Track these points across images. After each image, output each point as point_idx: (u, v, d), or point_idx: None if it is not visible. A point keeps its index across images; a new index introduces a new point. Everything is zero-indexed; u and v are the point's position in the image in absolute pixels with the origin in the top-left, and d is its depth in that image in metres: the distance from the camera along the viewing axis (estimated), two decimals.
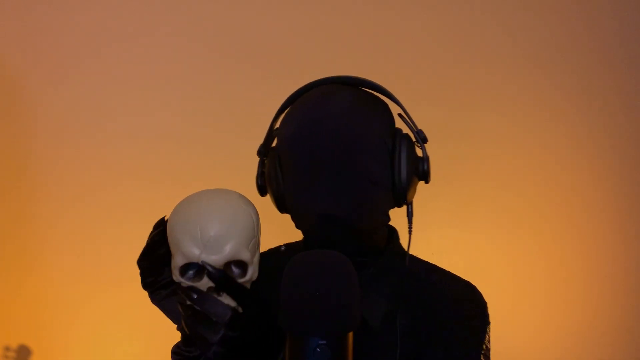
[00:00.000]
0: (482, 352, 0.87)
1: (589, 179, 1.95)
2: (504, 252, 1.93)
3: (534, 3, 1.92)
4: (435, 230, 1.88)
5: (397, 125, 0.91)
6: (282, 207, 0.91)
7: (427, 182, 0.90)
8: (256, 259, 0.79)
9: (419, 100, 1.87)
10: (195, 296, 0.73)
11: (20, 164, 1.82)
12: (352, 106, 0.84)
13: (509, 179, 1.92)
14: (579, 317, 1.95)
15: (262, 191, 0.93)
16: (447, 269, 0.95)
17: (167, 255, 0.82)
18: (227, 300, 0.75)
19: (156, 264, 0.84)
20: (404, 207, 0.89)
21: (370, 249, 0.90)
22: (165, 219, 0.83)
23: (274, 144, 0.92)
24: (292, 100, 0.92)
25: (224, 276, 0.73)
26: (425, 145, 0.90)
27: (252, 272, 0.78)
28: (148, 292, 0.87)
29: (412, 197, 0.88)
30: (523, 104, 1.92)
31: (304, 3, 1.84)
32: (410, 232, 0.88)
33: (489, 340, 0.89)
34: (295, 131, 0.84)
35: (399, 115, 0.91)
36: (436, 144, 1.87)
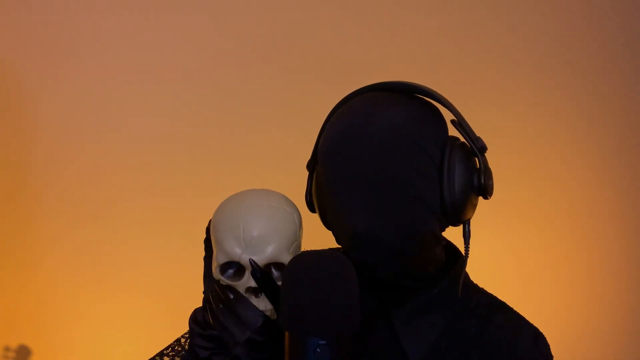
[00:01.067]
0: None
1: (591, 177, 1.95)
2: (505, 250, 1.93)
3: (536, 2, 1.92)
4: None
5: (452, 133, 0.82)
6: (326, 224, 0.86)
7: (486, 197, 0.79)
8: None
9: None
10: (231, 296, 0.74)
11: (21, 165, 1.82)
12: (393, 114, 0.76)
13: (510, 177, 1.92)
14: (583, 316, 1.95)
15: (311, 207, 0.89)
16: (514, 309, 0.84)
17: None
18: (263, 302, 0.76)
19: None
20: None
21: (423, 273, 0.81)
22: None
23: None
24: (336, 111, 0.85)
25: (266, 276, 0.73)
26: (484, 154, 0.79)
27: None
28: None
29: (469, 215, 0.79)
30: (525, 102, 1.92)
31: (307, 1, 1.84)
32: (466, 255, 0.79)
33: None
34: (330, 142, 0.79)
35: (452, 122, 0.81)
36: None
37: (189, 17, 1.82)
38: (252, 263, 0.74)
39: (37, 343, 1.83)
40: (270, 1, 1.83)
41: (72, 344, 1.84)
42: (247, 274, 0.76)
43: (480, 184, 0.77)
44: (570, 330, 1.95)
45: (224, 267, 0.78)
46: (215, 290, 0.77)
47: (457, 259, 0.86)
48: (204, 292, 0.84)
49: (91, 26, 1.80)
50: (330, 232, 0.85)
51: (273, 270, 0.78)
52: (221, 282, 0.77)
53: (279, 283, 0.75)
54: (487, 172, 0.78)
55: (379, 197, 0.74)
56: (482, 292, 0.87)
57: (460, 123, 0.80)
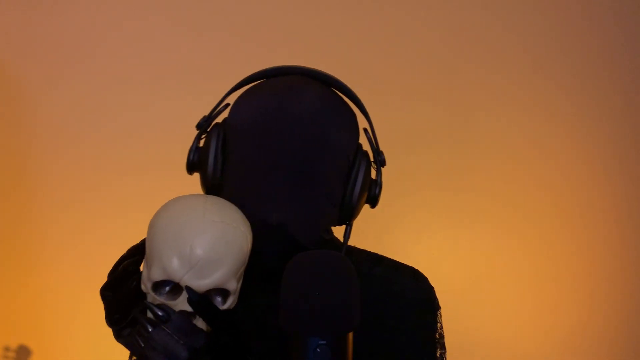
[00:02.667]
0: (436, 340, 0.83)
1: (586, 183, 1.95)
2: (504, 252, 1.93)
3: (533, 2, 1.92)
4: (435, 230, 1.89)
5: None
6: (212, 194, 0.80)
7: (373, 207, 0.84)
8: (239, 285, 0.71)
9: (418, 100, 1.88)
10: (163, 314, 0.65)
11: (20, 164, 1.82)
12: (325, 109, 0.77)
13: (509, 178, 1.92)
14: (578, 318, 1.95)
15: (191, 168, 0.83)
16: (389, 256, 0.88)
17: (139, 289, 0.71)
18: (199, 323, 0.68)
19: (126, 298, 0.71)
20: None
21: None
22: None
23: (219, 121, 0.83)
24: (254, 80, 0.84)
25: (206, 304, 0.66)
26: (381, 169, 0.82)
27: (232, 301, 0.70)
28: (112, 330, 0.75)
29: (354, 218, 0.82)
30: (523, 104, 1.92)
31: (307, 2, 1.85)
32: (344, 250, 0.81)
33: (441, 327, 0.84)
34: (258, 119, 0.76)
35: (364, 130, 0.84)
36: (436, 144, 1.88)
37: (189, 18, 1.83)
38: (189, 292, 0.64)
39: (37, 343, 1.83)
40: (269, 3, 1.84)
41: (72, 344, 1.84)
42: (184, 295, 0.66)
43: (374, 195, 0.82)
44: (565, 330, 1.95)
45: (157, 284, 0.68)
46: (143, 311, 0.68)
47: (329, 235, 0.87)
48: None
49: (91, 27, 1.80)
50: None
51: (214, 295, 0.68)
52: (151, 297, 0.67)
53: (221, 308, 0.69)
54: (381, 186, 0.83)
55: (298, 192, 0.75)
56: (363, 252, 0.88)
57: (373, 132, 0.83)
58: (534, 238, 1.94)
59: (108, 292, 0.73)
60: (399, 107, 1.83)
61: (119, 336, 0.74)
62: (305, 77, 0.82)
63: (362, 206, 0.82)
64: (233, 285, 0.69)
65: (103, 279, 1.96)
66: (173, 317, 0.66)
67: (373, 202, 0.83)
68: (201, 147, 0.82)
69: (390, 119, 1.87)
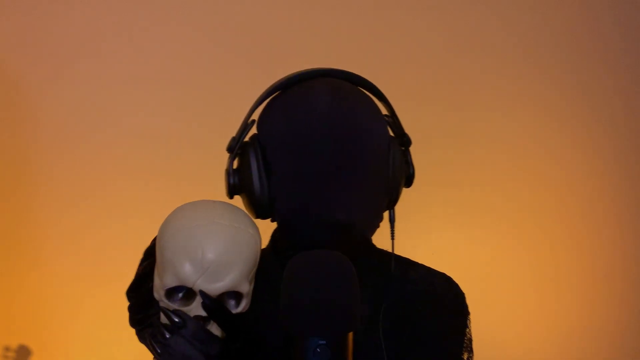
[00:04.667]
0: (464, 344, 0.85)
1: (588, 179, 1.95)
2: (503, 252, 1.93)
3: (533, 2, 1.92)
4: (434, 230, 1.89)
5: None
6: (263, 212, 0.79)
7: (408, 187, 0.88)
8: (251, 289, 0.72)
9: (418, 100, 1.88)
10: (179, 320, 0.65)
11: (20, 164, 1.82)
12: (356, 106, 0.79)
13: (507, 179, 1.92)
14: (578, 317, 1.95)
15: (233, 192, 0.81)
16: (423, 263, 0.91)
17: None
18: (214, 329, 0.68)
19: (146, 299, 0.73)
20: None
21: (355, 253, 0.82)
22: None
23: (247, 139, 0.82)
24: (274, 91, 0.83)
25: (220, 308, 0.67)
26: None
27: (245, 304, 0.71)
28: (135, 330, 0.76)
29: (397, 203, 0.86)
30: (522, 103, 1.93)
31: (302, 1, 1.85)
32: (392, 237, 0.85)
33: (470, 331, 0.87)
34: (294, 127, 0.76)
35: (386, 117, 0.86)
36: (435, 143, 1.88)
37: (189, 19, 1.83)
38: (203, 297, 0.65)
39: (37, 343, 1.83)
40: (269, 4, 1.84)
41: (72, 344, 1.84)
42: (198, 300, 0.67)
43: (410, 174, 0.86)
44: (564, 330, 1.95)
45: (171, 291, 0.68)
46: (158, 316, 0.68)
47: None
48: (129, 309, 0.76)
49: (91, 28, 1.80)
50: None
51: (227, 298, 0.69)
52: (164, 305, 0.68)
53: (234, 311, 0.70)
54: (413, 164, 0.86)
55: (360, 189, 0.77)
56: (397, 257, 0.89)
57: (394, 116, 0.86)
58: (534, 238, 1.94)
59: (131, 294, 0.75)
60: (400, 107, 1.83)
61: (141, 337, 0.76)
62: (325, 77, 0.81)
63: (402, 188, 0.85)
64: (245, 288, 0.69)
65: (103, 279, 1.96)
66: (189, 323, 0.66)
67: (409, 182, 0.87)
68: (239, 168, 0.81)
69: None
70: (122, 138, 1.81)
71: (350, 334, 0.68)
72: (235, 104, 1.83)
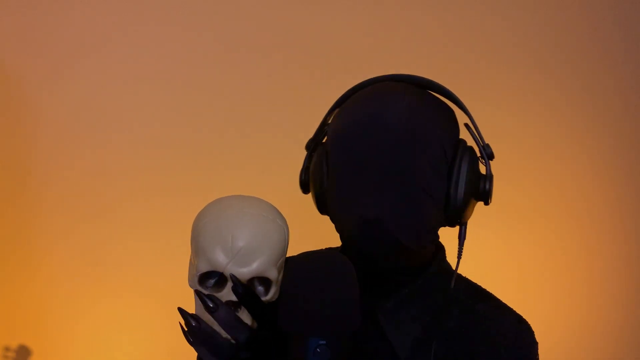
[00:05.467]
0: None
1: (591, 177, 1.95)
2: (505, 250, 1.93)
3: (534, 1, 1.92)
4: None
5: (461, 136, 0.83)
6: (322, 207, 0.83)
7: (486, 203, 0.81)
8: (281, 277, 0.74)
9: None
10: (212, 305, 0.67)
11: (21, 165, 1.82)
12: (415, 106, 0.77)
13: (510, 177, 1.92)
14: (583, 316, 1.95)
15: (304, 188, 0.87)
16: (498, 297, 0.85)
17: None
18: (244, 316, 0.71)
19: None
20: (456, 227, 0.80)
21: (411, 268, 0.82)
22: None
23: (324, 140, 0.85)
24: (349, 95, 0.85)
25: (249, 292, 0.69)
26: (490, 162, 0.81)
27: (274, 292, 0.73)
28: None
29: (467, 217, 0.80)
30: (524, 101, 1.93)
31: (300, 2, 1.85)
32: (459, 256, 0.80)
33: None
34: (348, 126, 0.77)
35: (465, 125, 0.83)
36: None
37: (190, 18, 1.83)
38: (233, 279, 0.69)
39: (37, 343, 1.83)
40: (269, 3, 1.83)
41: (72, 344, 1.84)
42: (229, 286, 0.71)
43: (485, 190, 0.80)
44: (569, 329, 1.95)
45: (203, 277, 0.72)
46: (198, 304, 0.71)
47: (438, 253, 0.86)
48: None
49: (92, 28, 1.80)
50: (326, 217, 0.85)
51: (257, 284, 0.73)
52: (200, 292, 0.71)
53: (264, 298, 0.72)
54: (492, 179, 0.80)
55: (395, 186, 0.74)
56: (465, 280, 0.87)
57: (475, 127, 0.82)
58: (536, 238, 1.94)
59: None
60: None
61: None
62: (396, 82, 0.83)
63: (471, 202, 0.79)
64: (274, 274, 0.72)
65: (103, 279, 1.96)
66: (221, 308, 0.68)
67: (484, 197, 0.81)
68: (308, 166, 0.87)
69: None
70: (123, 138, 1.81)
71: (351, 334, 0.68)
72: (236, 104, 1.84)
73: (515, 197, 1.92)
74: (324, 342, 0.65)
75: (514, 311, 0.83)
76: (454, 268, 0.84)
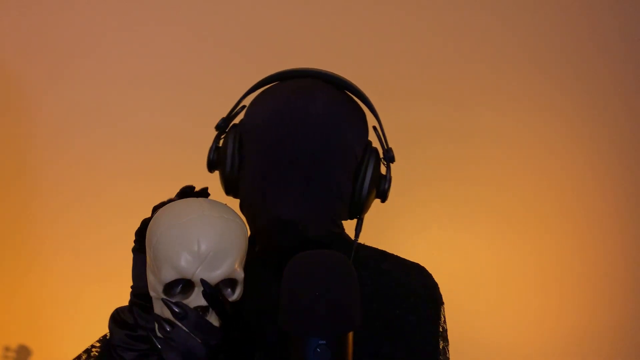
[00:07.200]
0: (440, 333, 0.87)
1: (589, 179, 1.95)
2: (504, 252, 1.93)
3: (534, 1, 1.92)
4: (435, 230, 1.89)
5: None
6: (230, 190, 0.87)
7: (383, 201, 0.89)
8: (243, 277, 0.74)
9: (418, 99, 1.88)
10: (180, 311, 0.67)
11: (20, 165, 1.82)
12: (334, 109, 0.82)
13: (508, 179, 1.92)
14: (576, 318, 1.95)
15: (211, 167, 0.90)
16: (397, 254, 0.92)
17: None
18: (213, 319, 0.70)
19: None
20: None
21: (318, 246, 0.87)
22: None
23: (236, 122, 0.89)
24: (268, 82, 0.89)
25: (217, 295, 0.69)
26: (390, 165, 0.87)
27: (239, 292, 0.74)
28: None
29: (365, 213, 0.87)
30: (523, 103, 1.92)
31: (300, 2, 1.85)
32: (355, 245, 0.86)
33: (444, 321, 0.88)
34: (271, 120, 0.81)
35: (374, 128, 0.88)
36: (435, 143, 1.88)
37: (190, 18, 1.83)
38: (204, 285, 0.67)
39: (37, 343, 1.83)
40: (267, 3, 1.83)
41: (72, 344, 1.84)
42: (196, 292, 0.69)
43: (384, 190, 0.87)
44: (563, 330, 1.95)
45: (169, 286, 0.70)
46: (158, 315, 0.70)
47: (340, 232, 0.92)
48: (132, 288, 0.78)
49: (91, 28, 1.80)
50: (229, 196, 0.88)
51: (222, 286, 0.72)
52: (165, 301, 0.69)
53: (231, 299, 0.72)
54: (391, 180, 0.87)
55: (311, 190, 0.80)
56: (370, 248, 0.92)
57: (382, 131, 0.87)
58: (536, 238, 1.94)
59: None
60: (401, 106, 1.84)
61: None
62: (316, 79, 0.86)
63: (371, 201, 0.86)
64: (240, 275, 0.72)
65: (103, 279, 1.96)
66: (190, 313, 0.67)
67: (383, 196, 0.87)
68: (220, 147, 0.89)
69: (392, 117, 1.87)
70: (122, 137, 1.81)
71: (351, 334, 0.68)
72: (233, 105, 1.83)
73: (512, 200, 1.92)
74: (324, 342, 0.65)
75: (414, 262, 0.91)
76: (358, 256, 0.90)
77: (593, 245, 1.95)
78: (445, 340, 0.88)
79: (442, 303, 0.88)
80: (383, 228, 1.73)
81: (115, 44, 1.81)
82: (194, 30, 1.83)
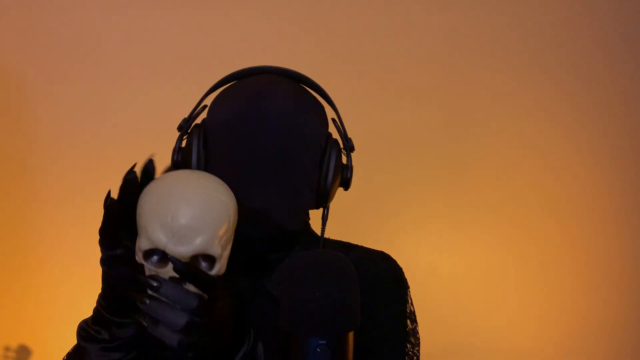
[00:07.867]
0: (407, 314, 0.90)
1: (589, 180, 1.95)
2: (503, 251, 1.93)
3: (533, 2, 1.92)
4: (434, 229, 1.89)
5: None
6: None
7: (346, 189, 0.92)
8: (226, 253, 0.73)
9: (419, 99, 1.88)
10: (155, 284, 0.67)
11: (21, 165, 1.82)
12: (297, 103, 0.85)
13: (508, 178, 1.92)
14: (579, 315, 1.95)
15: (176, 168, 0.89)
16: (360, 244, 0.96)
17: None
18: (191, 288, 0.69)
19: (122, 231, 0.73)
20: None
21: (285, 242, 0.89)
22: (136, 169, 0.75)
23: (199, 122, 0.90)
24: (228, 81, 0.91)
25: (192, 269, 0.68)
26: (351, 154, 0.91)
27: (219, 267, 0.72)
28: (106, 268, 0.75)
29: (330, 201, 0.90)
30: (522, 102, 1.92)
31: (299, 2, 1.85)
32: (322, 234, 0.89)
33: (412, 304, 0.92)
34: (236, 117, 0.83)
35: (333, 120, 0.92)
36: (434, 143, 1.88)
37: (190, 19, 1.83)
38: (172, 259, 0.66)
39: (37, 343, 1.83)
40: (268, 2, 1.84)
41: (72, 344, 1.84)
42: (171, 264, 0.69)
43: (347, 178, 0.91)
44: (563, 329, 1.95)
45: (147, 254, 0.71)
46: (137, 281, 0.70)
47: (307, 224, 0.95)
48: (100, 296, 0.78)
49: (92, 28, 1.80)
50: None
51: (201, 261, 0.71)
52: (145, 268, 0.70)
53: (210, 273, 0.71)
54: (352, 169, 0.91)
55: (277, 177, 0.82)
56: (336, 242, 0.95)
57: (341, 122, 0.92)
58: (534, 239, 1.94)
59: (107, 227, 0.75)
60: (404, 105, 1.84)
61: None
62: (276, 75, 0.89)
63: (336, 189, 0.90)
64: (217, 251, 0.71)
65: None
66: (164, 284, 0.67)
67: (346, 184, 0.92)
68: (184, 147, 0.90)
69: (391, 119, 1.87)
70: (122, 137, 1.81)
71: (351, 334, 0.68)
72: None
73: (512, 199, 1.92)
74: (324, 342, 0.65)
75: (378, 250, 0.94)
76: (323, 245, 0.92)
77: (593, 245, 1.95)
78: (414, 321, 0.91)
79: (408, 287, 0.92)
80: (383, 227, 1.74)
81: (115, 45, 1.81)
82: (195, 31, 1.83)
